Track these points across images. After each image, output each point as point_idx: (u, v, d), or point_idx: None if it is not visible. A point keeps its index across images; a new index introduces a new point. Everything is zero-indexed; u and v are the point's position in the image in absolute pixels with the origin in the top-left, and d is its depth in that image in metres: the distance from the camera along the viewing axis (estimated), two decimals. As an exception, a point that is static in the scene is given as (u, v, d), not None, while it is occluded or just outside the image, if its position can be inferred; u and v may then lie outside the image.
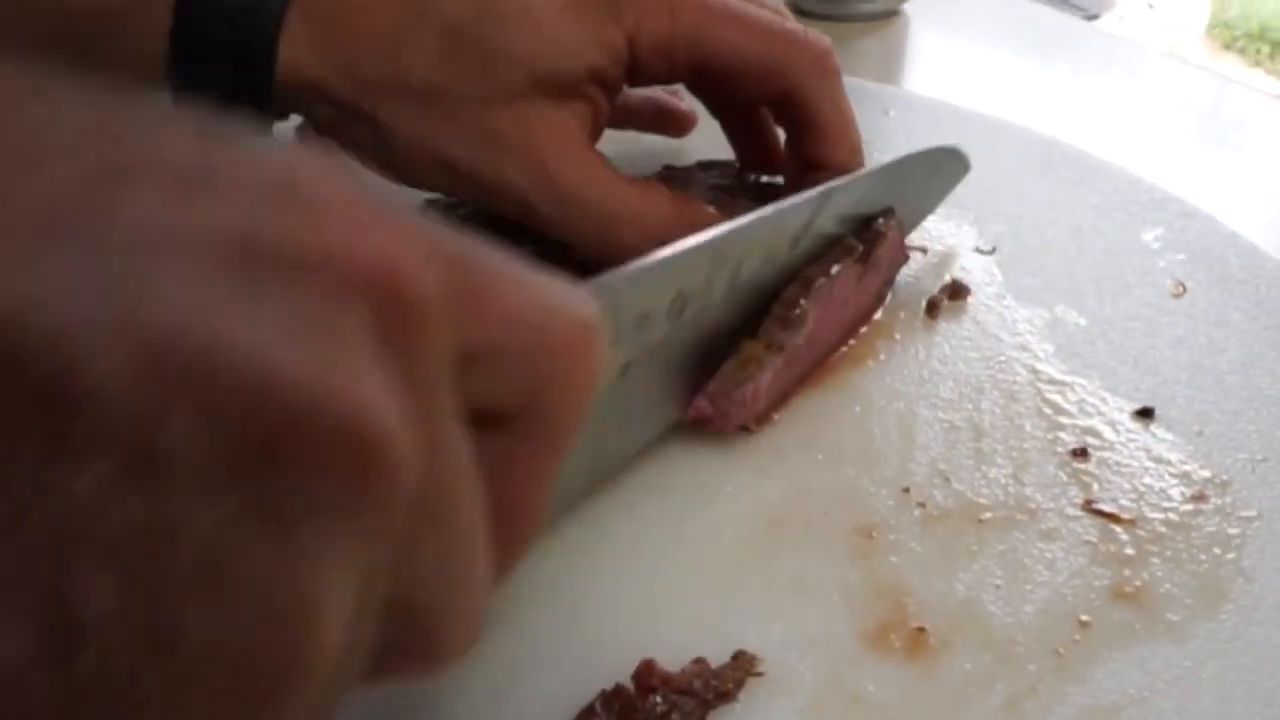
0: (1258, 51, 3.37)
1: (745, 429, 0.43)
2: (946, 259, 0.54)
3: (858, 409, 0.44)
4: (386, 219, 0.20)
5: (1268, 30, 3.38)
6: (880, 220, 0.48)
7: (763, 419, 0.44)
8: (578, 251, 0.44)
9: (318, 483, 0.17)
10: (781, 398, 0.44)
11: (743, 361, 0.42)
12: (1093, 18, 3.10)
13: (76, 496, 0.15)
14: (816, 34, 0.47)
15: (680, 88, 0.52)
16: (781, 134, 0.50)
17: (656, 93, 0.57)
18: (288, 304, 0.18)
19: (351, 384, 0.18)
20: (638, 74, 0.45)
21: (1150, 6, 2.97)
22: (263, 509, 0.17)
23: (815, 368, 0.46)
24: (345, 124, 0.44)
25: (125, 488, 0.16)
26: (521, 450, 0.25)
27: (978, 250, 0.54)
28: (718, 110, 0.52)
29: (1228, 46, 3.42)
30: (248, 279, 0.17)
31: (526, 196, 0.44)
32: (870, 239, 0.47)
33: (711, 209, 0.46)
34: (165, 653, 0.16)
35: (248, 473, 0.16)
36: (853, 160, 0.48)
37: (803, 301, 0.43)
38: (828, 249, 0.46)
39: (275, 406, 0.17)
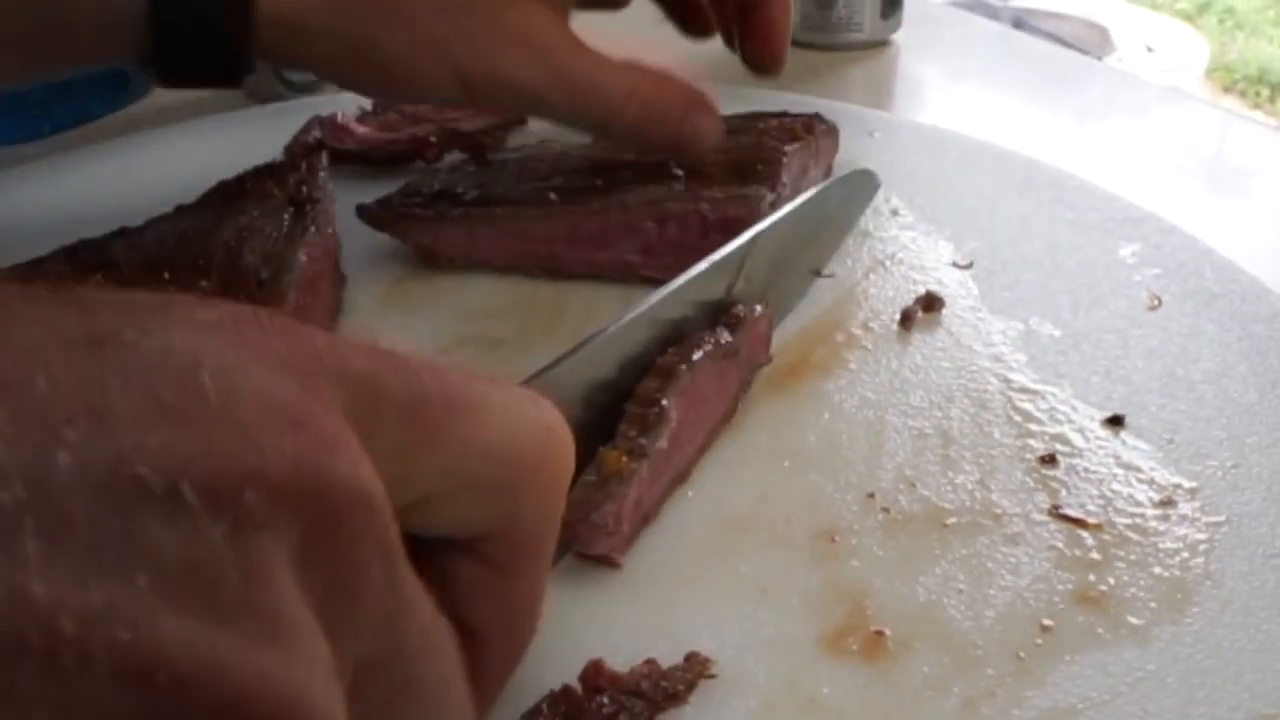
0: (1257, 94, 3.38)
1: (608, 561, 0.37)
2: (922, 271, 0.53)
3: (826, 416, 0.44)
4: (314, 396, 0.19)
5: (1267, 73, 3.39)
6: (743, 308, 0.44)
7: (627, 544, 0.37)
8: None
9: None
10: (647, 515, 0.38)
11: (602, 476, 0.36)
12: (1095, 61, 3.12)
13: None
14: None
15: None
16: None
17: None
18: (199, 549, 0.17)
19: (281, 670, 0.17)
20: None
21: (1150, 50, 2.98)
22: None
23: (678, 480, 0.40)
24: (335, 58, 0.48)
25: None
26: (502, 582, 0.25)
27: (954, 265, 0.54)
28: None
29: (1228, 89, 3.43)
30: (145, 524, 0.16)
31: (539, 89, 0.48)
32: (732, 325, 0.43)
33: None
34: None
35: None
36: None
37: (663, 400, 0.38)
38: (681, 339, 0.42)
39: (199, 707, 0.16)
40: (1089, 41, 3.18)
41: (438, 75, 0.48)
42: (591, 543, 0.36)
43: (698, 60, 0.58)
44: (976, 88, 0.84)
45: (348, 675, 0.19)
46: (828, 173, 0.61)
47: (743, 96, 0.66)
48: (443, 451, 0.22)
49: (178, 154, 0.69)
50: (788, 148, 0.54)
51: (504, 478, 0.23)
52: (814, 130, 0.58)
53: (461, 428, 0.22)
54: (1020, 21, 3.34)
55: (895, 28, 0.89)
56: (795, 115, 0.62)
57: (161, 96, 0.85)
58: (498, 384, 0.24)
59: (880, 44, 0.89)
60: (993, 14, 3.38)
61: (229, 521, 0.17)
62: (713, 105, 0.52)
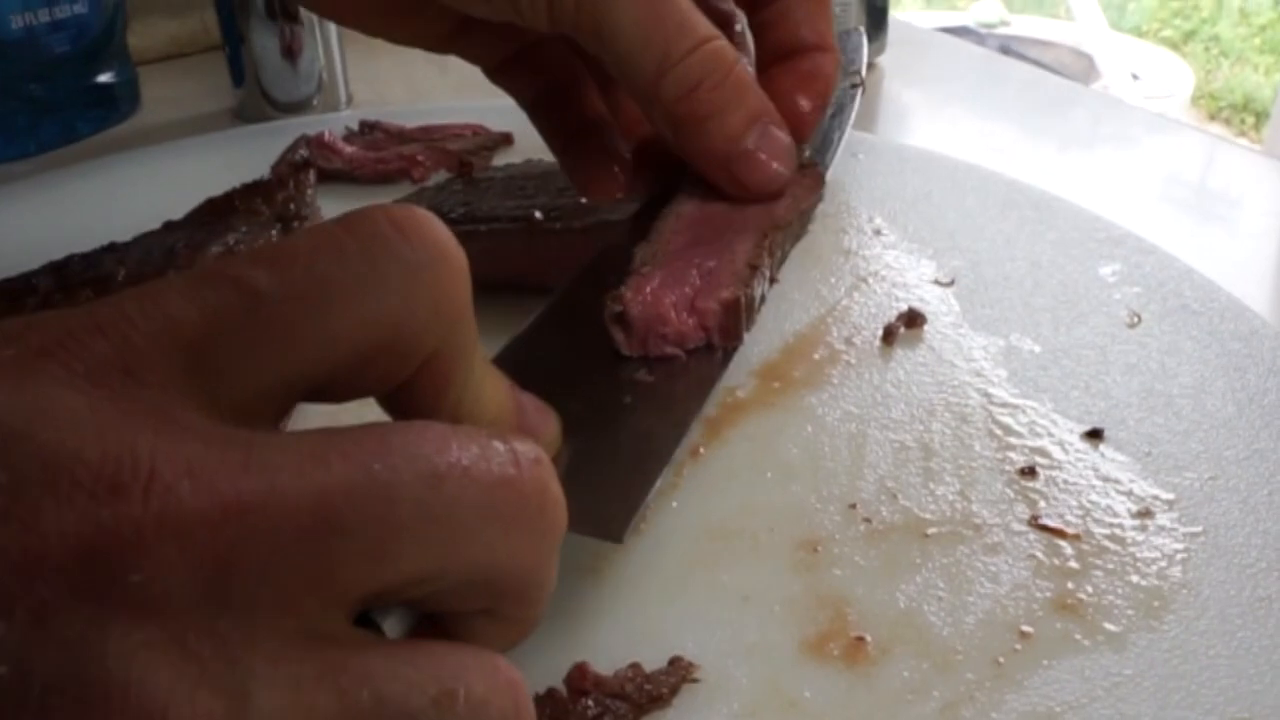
0: (1242, 122, 3.41)
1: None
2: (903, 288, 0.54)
3: (809, 429, 0.45)
4: (129, 414, 0.19)
5: (1252, 101, 3.42)
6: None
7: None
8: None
9: None
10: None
11: None
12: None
13: None
14: None
15: None
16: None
17: None
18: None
19: None
20: None
21: (1135, 77, 3.01)
22: None
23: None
24: None
25: None
26: (493, 630, 0.25)
27: (936, 282, 0.55)
28: None
29: (1213, 117, 3.46)
30: None
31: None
32: None
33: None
34: None
35: None
36: (823, 38, 0.48)
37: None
38: None
39: None
40: (1075, 69, 3.20)
41: None
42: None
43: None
44: (961, 111, 0.85)
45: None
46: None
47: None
48: (424, 545, 0.21)
49: (166, 173, 0.70)
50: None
51: (487, 552, 0.22)
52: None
53: (434, 510, 0.21)
54: (1006, 49, 3.37)
55: (880, 51, 0.90)
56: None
57: (148, 117, 0.85)
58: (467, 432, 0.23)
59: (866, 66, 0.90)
60: (978, 41, 3.41)
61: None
62: (789, 140, 0.45)
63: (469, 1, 0.42)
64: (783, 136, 0.45)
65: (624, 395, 0.39)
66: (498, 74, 0.50)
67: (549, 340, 0.42)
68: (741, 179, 0.45)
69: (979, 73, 0.95)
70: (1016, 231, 0.59)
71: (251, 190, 0.55)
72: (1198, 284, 0.53)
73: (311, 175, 0.57)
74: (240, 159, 0.67)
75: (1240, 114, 3.41)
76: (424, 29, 0.47)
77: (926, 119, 0.83)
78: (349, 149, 0.67)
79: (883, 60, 0.91)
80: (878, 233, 0.60)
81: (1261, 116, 3.37)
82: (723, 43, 0.43)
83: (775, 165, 0.45)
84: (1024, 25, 3.48)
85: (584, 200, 0.52)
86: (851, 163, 0.68)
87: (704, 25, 0.42)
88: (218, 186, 0.56)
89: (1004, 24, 3.45)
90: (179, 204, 0.55)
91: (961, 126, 0.81)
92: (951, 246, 0.58)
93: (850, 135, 0.72)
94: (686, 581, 0.37)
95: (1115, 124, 0.83)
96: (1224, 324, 0.50)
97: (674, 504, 0.41)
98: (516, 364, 0.33)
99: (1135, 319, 0.51)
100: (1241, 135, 3.36)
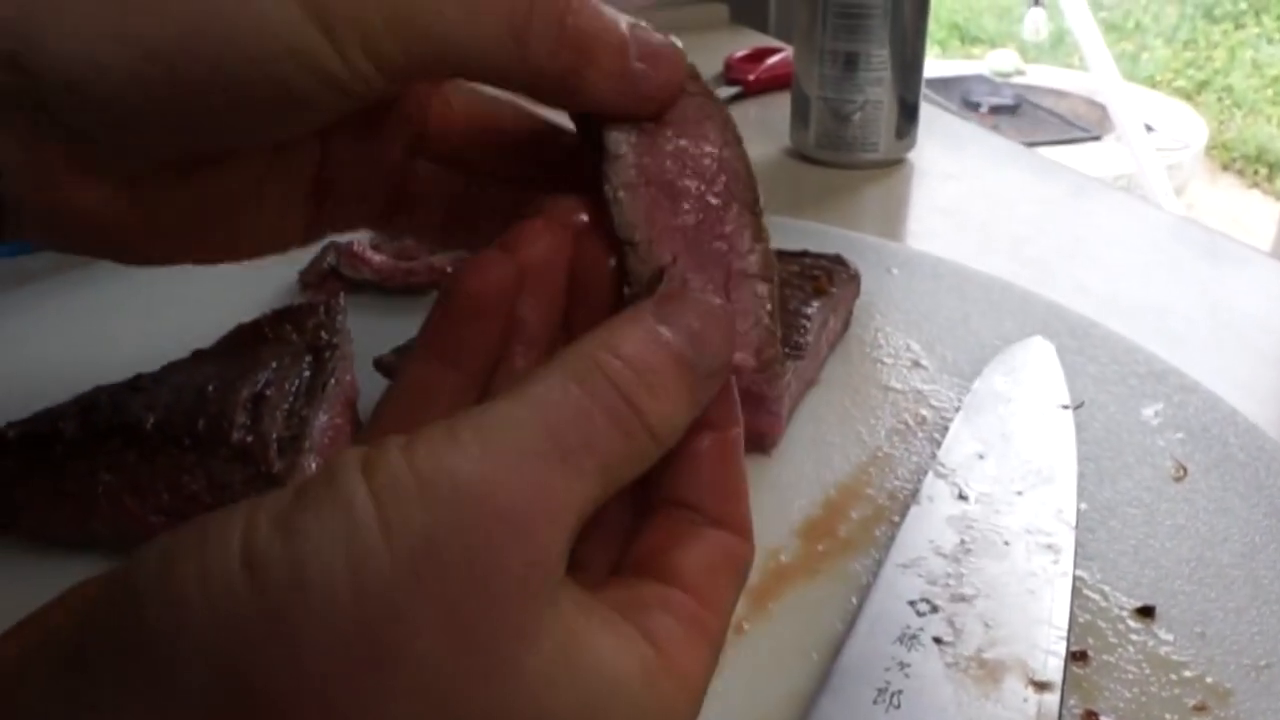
0: (1255, 173, 3.41)
1: None
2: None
3: (854, 601, 0.44)
4: None
5: (1265, 152, 3.42)
6: None
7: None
8: None
9: None
10: None
11: None
12: (1095, 139, 3.15)
13: None
14: None
15: None
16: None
17: None
18: None
19: None
20: None
21: (1149, 128, 3.01)
22: None
23: None
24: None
25: None
26: None
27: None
28: None
29: (1226, 167, 3.46)
30: None
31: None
32: None
33: None
34: None
35: None
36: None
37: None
38: None
39: None
40: (1089, 119, 3.21)
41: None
42: None
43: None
44: (991, 207, 0.84)
45: None
46: (847, 322, 0.61)
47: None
48: None
49: (187, 275, 0.69)
50: (809, 310, 0.54)
51: None
52: (835, 280, 0.58)
53: None
54: (1020, 99, 3.37)
55: (910, 146, 0.89)
56: (816, 256, 0.61)
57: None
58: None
59: (895, 162, 0.89)
60: (993, 90, 3.42)
61: None
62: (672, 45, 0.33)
63: (284, 109, 0.30)
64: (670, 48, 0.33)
65: None
66: (380, 222, 0.40)
67: None
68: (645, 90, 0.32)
69: (1010, 168, 0.94)
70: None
71: (282, 316, 0.55)
72: (1242, 430, 0.52)
73: (341, 298, 0.56)
74: (267, 262, 0.66)
75: (1254, 165, 3.41)
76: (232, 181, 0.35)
77: (955, 217, 0.82)
78: (377, 258, 0.66)
79: (912, 156, 0.90)
80: (916, 364, 0.59)
81: (1275, 167, 3.37)
82: None
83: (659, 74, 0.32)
84: (1039, 75, 3.49)
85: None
86: (885, 279, 0.67)
87: None
88: (242, 290, 0.55)
89: (1019, 73, 3.46)
90: (204, 308, 0.54)
91: (989, 223, 0.80)
92: (990, 381, 0.57)
93: (883, 246, 0.71)
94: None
95: (1139, 227, 0.82)
96: (1271, 478, 0.49)
97: (719, 687, 0.40)
98: None
99: (1181, 471, 0.50)
100: (1254, 186, 3.36)
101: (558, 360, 0.25)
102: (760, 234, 0.32)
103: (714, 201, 0.31)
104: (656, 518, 0.28)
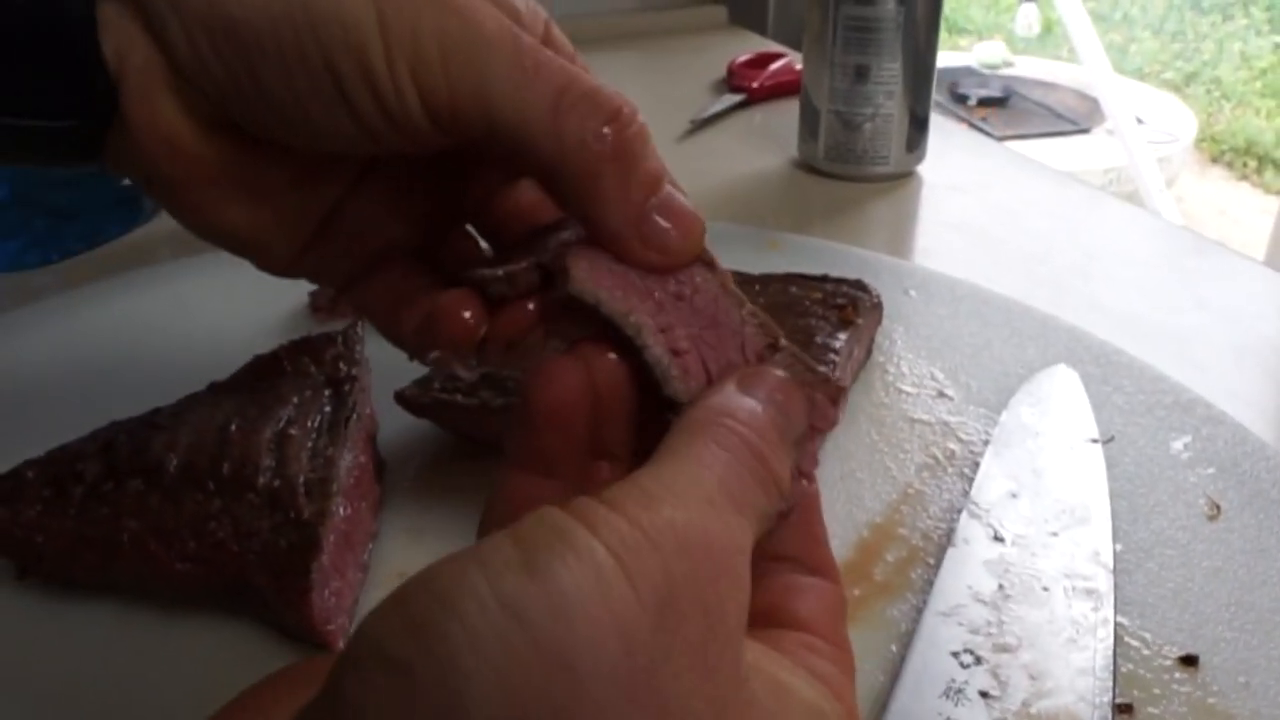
0: (1244, 165, 3.42)
1: None
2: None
3: (893, 649, 0.43)
4: None
5: (1254, 145, 3.43)
6: None
7: None
8: None
9: None
10: None
11: None
12: (1083, 131, 3.15)
13: None
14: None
15: None
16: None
17: None
18: None
19: None
20: None
21: (1139, 121, 3.01)
22: None
23: None
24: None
25: None
26: None
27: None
28: None
29: (1215, 160, 3.47)
30: None
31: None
32: None
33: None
34: None
35: None
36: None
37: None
38: None
39: None
40: (1080, 112, 3.21)
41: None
42: None
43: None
44: (1000, 220, 0.83)
45: None
46: (869, 350, 0.60)
47: (764, 240, 0.65)
48: None
49: (195, 290, 0.68)
50: (837, 343, 0.53)
51: None
52: (859, 309, 0.57)
53: None
54: (1009, 90, 3.37)
55: (920, 159, 0.89)
56: (837, 281, 0.61)
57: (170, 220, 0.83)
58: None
59: (904, 175, 0.89)
60: (982, 82, 3.42)
61: None
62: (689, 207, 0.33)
63: (331, 137, 0.33)
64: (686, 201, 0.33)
65: None
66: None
67: None
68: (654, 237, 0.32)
69: (1022, 184, 0.94)
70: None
71: (299, 348, 0.54)
72: (1274, 464, 0.52)
73: (360, 328, 0.55)
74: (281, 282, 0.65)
75: (1243, 157, 3.41)
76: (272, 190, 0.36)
77: (964, 231, 0.81)
78: (390, 281, 0.65)
79: (921, 169, 0.90)
80: (940, 393, 0.58)
81: (1264, 160, 3.37)
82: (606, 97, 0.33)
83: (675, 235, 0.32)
84: (1027, 66, 3.49)
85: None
86: (904, 301, 0.67)
87: (581, 77, 0.33)
88: (250, 307, 0.54)
89: (1007, 65, 3.45)
90: (213, 324, 0.53)
91: (999, 237, 0.80)
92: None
93: (899, 266, 0.71)
94: None
95: (1151, 242, 0.81)
96: (1305, 516, 0.49)
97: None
98: None
99: (1215, 510, 0.50)
100: (1243, 179, 3.36)
101: (684, 427, 0.27)
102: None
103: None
104: (766, 575, 0.31)
